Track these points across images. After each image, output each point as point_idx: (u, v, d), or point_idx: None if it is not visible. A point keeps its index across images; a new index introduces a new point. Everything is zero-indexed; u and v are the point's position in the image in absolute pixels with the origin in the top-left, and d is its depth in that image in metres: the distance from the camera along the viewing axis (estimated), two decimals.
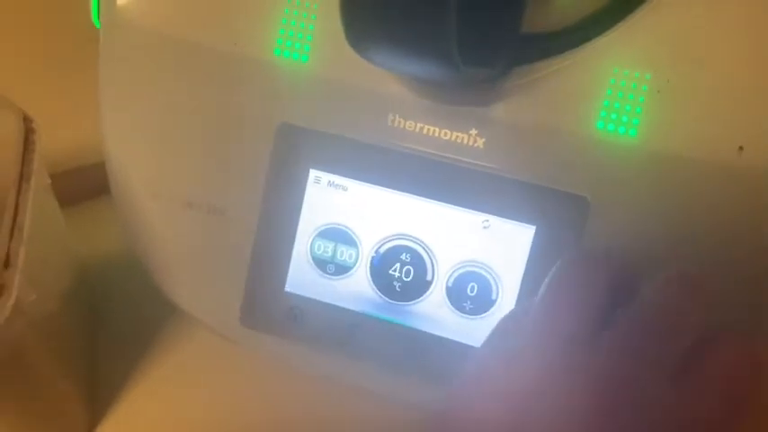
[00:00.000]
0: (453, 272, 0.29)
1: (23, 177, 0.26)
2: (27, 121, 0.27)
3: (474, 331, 0.29)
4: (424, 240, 0.29)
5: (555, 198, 0.27)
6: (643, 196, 0.27)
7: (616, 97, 0.27)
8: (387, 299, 0.29)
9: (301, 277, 0.30)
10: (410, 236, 0.29)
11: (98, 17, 0.32)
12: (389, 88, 0.28)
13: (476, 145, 0.28)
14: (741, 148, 0.26)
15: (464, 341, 0.29)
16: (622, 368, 0.20)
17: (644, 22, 0.26)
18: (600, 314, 0.21)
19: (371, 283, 0.29)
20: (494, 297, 0.28)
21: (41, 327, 0.27)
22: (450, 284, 0.29)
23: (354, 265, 0.29)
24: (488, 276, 0.28)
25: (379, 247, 0.29)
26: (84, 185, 0.39)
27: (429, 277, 0.29)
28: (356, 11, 0.21)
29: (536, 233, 0.28)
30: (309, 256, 0.30)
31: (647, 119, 0.26)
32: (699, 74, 0.26)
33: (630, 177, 0.27)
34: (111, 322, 0.36)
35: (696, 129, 0.26)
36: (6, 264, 0.23)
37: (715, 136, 0.26)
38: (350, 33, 0.22)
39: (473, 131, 0.28)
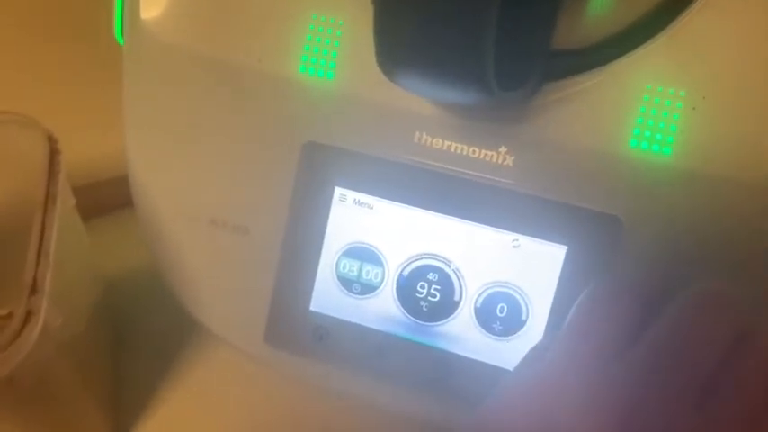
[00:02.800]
0: (482, 292, 0.28)
1: (49, 199, 0.25)
2: (52, 141, 0.27)
3: (503, 352, 0.28)
4: (452, 260, 0.28)
5: (587, 218, 0.27)
6: (677, 216, 0.26)
7: (649, 115, 0.26)
8: (413, 319, 0.29)
9: (327, 296, 0.29)
10: (437, 255, 0.28)
11: (121, 34, 0.32)
12: (416, 105, 0.27)
13: (505, 163, 0.27)
14: None
15: (493, 362, 0.28)
16: (646, 390, 0.20)
17: (677, 37, 0.26)
18: (628, 337, 0.21)
19: (398, 302, 0.29)
20: (524, 318, 0.28)
21: (67, 348, 0.27)
22: (478, 305, 0.28)
23: (380, 284, 0.29)
24: (518, 297, 0.28)
25: (406, 267, 0.29)
26: (109, 198, 0.39)
27: (457, 297, 0.28)
28: (390, 38, 0.20)
29: (567, 253, 0.27)
30: (335, 275, 0.29)
31: (682, 137, 0.26)
32: (735, 90, 0.25)
33: (664, 197, 0.26)
34: (134, 339, 0.36)
35: (732, 147, 0.25)
36: (33, 289, 0.23)
37: (752, 155, 0.25)
38: (383, 61, 0.21)
39: (502, 149, 0.27)
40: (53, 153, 0.26)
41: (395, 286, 0.29)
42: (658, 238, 0.26)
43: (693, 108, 0.26)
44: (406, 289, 0.29)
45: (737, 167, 0.25)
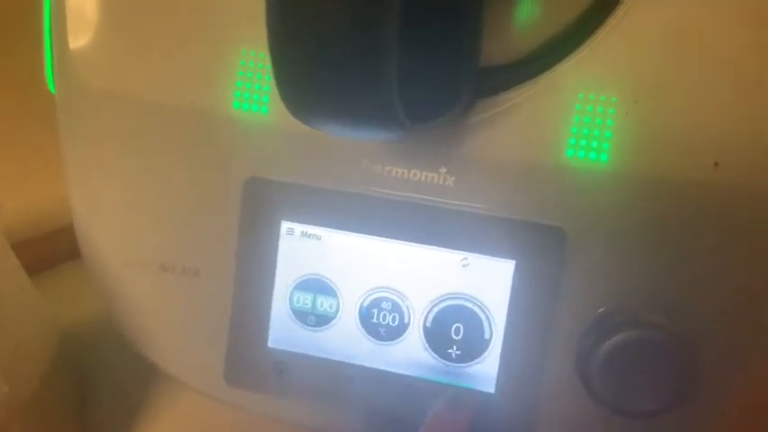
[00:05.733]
0: (434, 313, 0.28)
1: None
2: None
3: (461, 376, 0.28)
4: (404, 283, 0.28)
5: (531, 231, 0.27)
6: (620, 221, 0.26)
7: (583, 123, 0.26)
8: (371, 345, 0.29)
9: (283, 331, 0.29)
10: (389, 281, 0.28)
11: (53, 82, 0.31)
12: None
13: (446, 183, 0.27)
14: (716, 163, 0.25)
15: (452, 382, 0.28)
16: None
17: (605, 44, 0.26)
18: None
19: (355, 331, 0.29)
20: (486, 337, 0.28)
21: (21, 411, 0.27)
22: (428, 325, 0.28)
23: (335, 314, 0.29)
24: (472, 315, 0.28)
25: (360, 294, 0.28)
26: (60, 249, 0.38)
27: (409, 320, 0.28)
28: (288, 83, 0.20)
29: (516, 267, 0.27)
30: (289, 310, 0.29)
31: (618, 142, 0.26)
32: (666, 93, 0.25)
33: (605, 203, 0.26)
34: (97, 389, 0.35)
35: (669, 148, 0.25)
36: None
37: (688, 154, 0.25)
38: (288, 106, 0.21)
39: (442, 170, 0.27)
40: None
41: (350, 315, 0.29)
42: (603, 244, 0.26)
43: (626, 113, 0.26)
44: (362, 316, 0.28)
45: (674, 167, 0.25)
